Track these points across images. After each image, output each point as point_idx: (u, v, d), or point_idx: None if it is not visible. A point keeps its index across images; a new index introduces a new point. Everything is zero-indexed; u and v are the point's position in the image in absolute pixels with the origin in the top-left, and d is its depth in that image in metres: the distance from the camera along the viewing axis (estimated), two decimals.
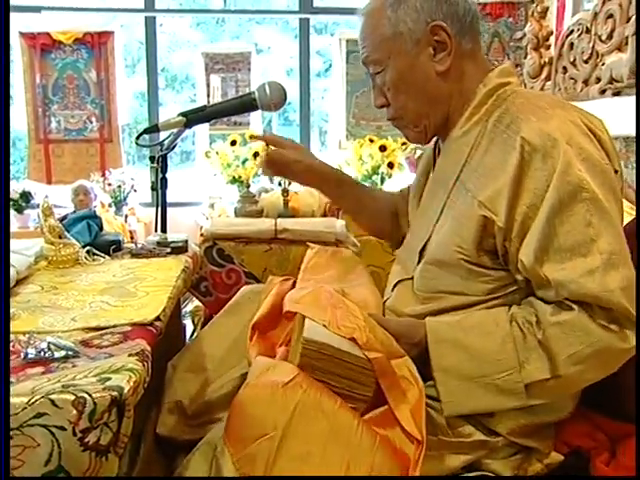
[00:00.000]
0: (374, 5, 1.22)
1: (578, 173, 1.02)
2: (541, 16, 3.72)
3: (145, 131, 1.76)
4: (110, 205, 5.11)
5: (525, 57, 3.83)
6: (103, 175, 5.29)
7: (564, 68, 3.35)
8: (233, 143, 4.70)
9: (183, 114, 1.67)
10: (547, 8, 3.77)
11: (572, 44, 3.25)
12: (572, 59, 3.25)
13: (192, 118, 1.67)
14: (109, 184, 5.20)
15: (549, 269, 1.04)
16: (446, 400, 1.09)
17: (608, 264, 1.01)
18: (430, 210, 1.24)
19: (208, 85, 5.51)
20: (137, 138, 1.76)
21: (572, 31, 3.24)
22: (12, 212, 5.09)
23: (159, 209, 1.87)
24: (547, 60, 3.62)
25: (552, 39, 3.72)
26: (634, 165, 2.59)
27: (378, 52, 1.20)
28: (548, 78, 3.55)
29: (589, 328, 1.01)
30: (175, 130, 1.69)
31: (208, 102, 5.40)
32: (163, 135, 1.71)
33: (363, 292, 1.30)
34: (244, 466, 0.95)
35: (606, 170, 1.07)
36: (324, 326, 1.02)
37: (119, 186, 5.21)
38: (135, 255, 1.79)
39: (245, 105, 1.61)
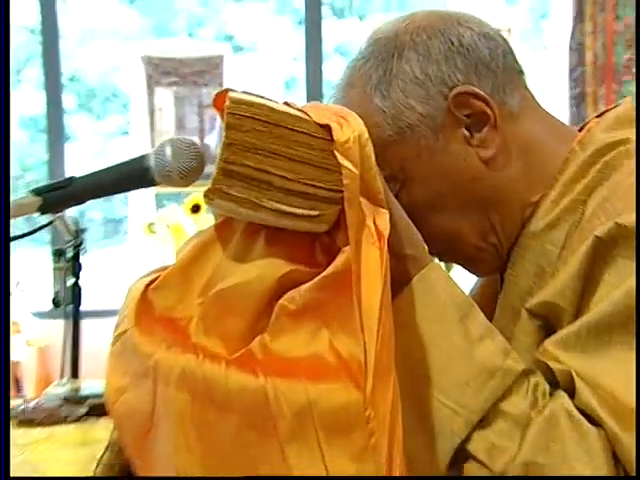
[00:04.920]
0: (351, 96, 0.93)
1: None
2: None
3: None
4: None
5: None
6: None
7: None
8: (196, 209, 3.40)
9: (37, 191, 1.26)
10: None
11: None
12: None
13: (51, 199, 1.26)
14: None
15: (569, 356, 0.80)
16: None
17: None
18: None
19: (151, 106, 4.05)
20: None
21: None
22: None
23: (68, 337, 1.55)
24: None
25: None
26: None
27: (383, 167, 0.88)
28: None
29: (599, 456, 0.72)
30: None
31: (152, 137, 4.03)
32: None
33: None
34: None
35: None
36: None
37: None
38: (24, 423, 1.39)
39: (133, 178, 1.21)
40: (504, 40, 0.93)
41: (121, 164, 1.30)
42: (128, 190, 1.30)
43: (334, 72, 3.91)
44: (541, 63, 4.27)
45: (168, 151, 1.18)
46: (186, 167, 1.18)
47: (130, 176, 1.29)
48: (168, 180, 1.25)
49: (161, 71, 4.05)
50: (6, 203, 0.99)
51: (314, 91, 4.12)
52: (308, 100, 4.05)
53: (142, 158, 1.22)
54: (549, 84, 3.99)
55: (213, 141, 4.07)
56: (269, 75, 5.04)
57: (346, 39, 5.03)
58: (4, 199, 0.98)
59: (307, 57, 4.12)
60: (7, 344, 0.87)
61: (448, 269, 2.23)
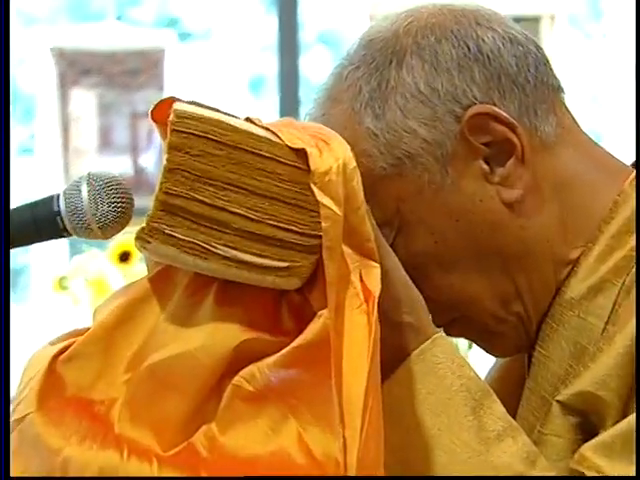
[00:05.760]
0: (334, 115, 0.87)
1: None
2: None
3: None
4: None
5: None
6: None
7: None
8: (124, 257, 2.87)
9: None
10: None
11: None
12: None
13: None
14: None
15: (614, 466, 0.77)
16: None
17: None
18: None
19: (65, 115, 3.24)
20: None
21: None
22: None
23: None
24: None
25: None
26: None
27: (374, 208, 0.85)
28: None
29: None
30: None
31: (66, 158, 3.93)
32: None
33: None
34: None
35: None
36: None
37: None
38: None
39: (36, 227, 0.99)
40: (536, 47, 0.87)
41: (19, 208, 1.17)
42: (30, 243, 1.16)
43: (315, 68, 3.52)
44: (597, 57, 3.85)
45: (84, 192, 1.09)
46: (107, 215, 1.05)
47: (32, 225, 1.15)
48: (84, 231, 1.13)
49: (79, 68, 3.47)
50: (6, 203, 0.96)
51: (289, 93, 3.72)
52: (281, 105, 3.75)
53: (50, 200, 1.12)
54: (608, 87, 3.50)
55: (150, 162, 3.37)
56: (228, 73, 4.36)
57: (332, 25, 4.31)
58: (4, 199, 0.96)
59: (280, 48, 3.69)
60: (7, 342, 0.85)
61: (468, 347, 2.11)
